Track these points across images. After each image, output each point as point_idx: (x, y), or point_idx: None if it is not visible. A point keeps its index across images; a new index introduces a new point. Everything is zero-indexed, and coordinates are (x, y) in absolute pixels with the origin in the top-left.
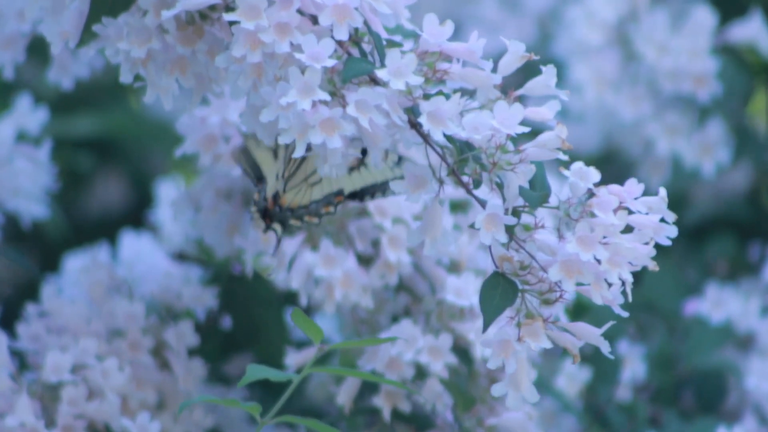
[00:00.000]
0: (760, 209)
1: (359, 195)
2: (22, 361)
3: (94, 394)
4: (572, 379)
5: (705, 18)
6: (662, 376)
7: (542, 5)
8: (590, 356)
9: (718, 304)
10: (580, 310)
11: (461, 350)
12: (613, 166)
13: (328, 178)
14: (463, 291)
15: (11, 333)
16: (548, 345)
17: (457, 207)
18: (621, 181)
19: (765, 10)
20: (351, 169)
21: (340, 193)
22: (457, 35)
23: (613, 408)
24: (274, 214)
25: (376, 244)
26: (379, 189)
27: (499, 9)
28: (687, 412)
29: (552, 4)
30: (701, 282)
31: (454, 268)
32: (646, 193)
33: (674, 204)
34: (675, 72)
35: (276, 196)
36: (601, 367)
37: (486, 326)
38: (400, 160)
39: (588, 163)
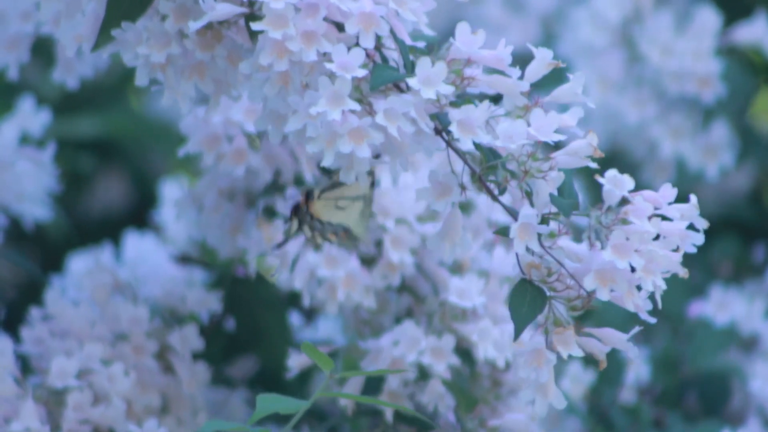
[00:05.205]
0: (764, 210)
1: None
2: (25, 365)
3: (100, 399)
4: (577, 380)
5: (709, 19)
6: (666, 378)
7: (546, 6)
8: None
9: (723, 305)
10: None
11: (464, 351)
12: (618, 167)
13: (349, 211)
14: (466, 292)
15: (15, 336)
16: (579, 353)
17: (460, 208)
18: None
19: None
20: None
21: (347, 230)
22: None
23: (617, 410)
24: (301, 214)
25: (378, 244)
26: None
27: (503, 9)
28: (691, 415)
29: (556, 4)
30: (705, 283)
31: (456, 269)
32: None
33: None
34: (679, 73)
35: (309, 195)
36: (606, 369)
37: (517, 334)
38: None
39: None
